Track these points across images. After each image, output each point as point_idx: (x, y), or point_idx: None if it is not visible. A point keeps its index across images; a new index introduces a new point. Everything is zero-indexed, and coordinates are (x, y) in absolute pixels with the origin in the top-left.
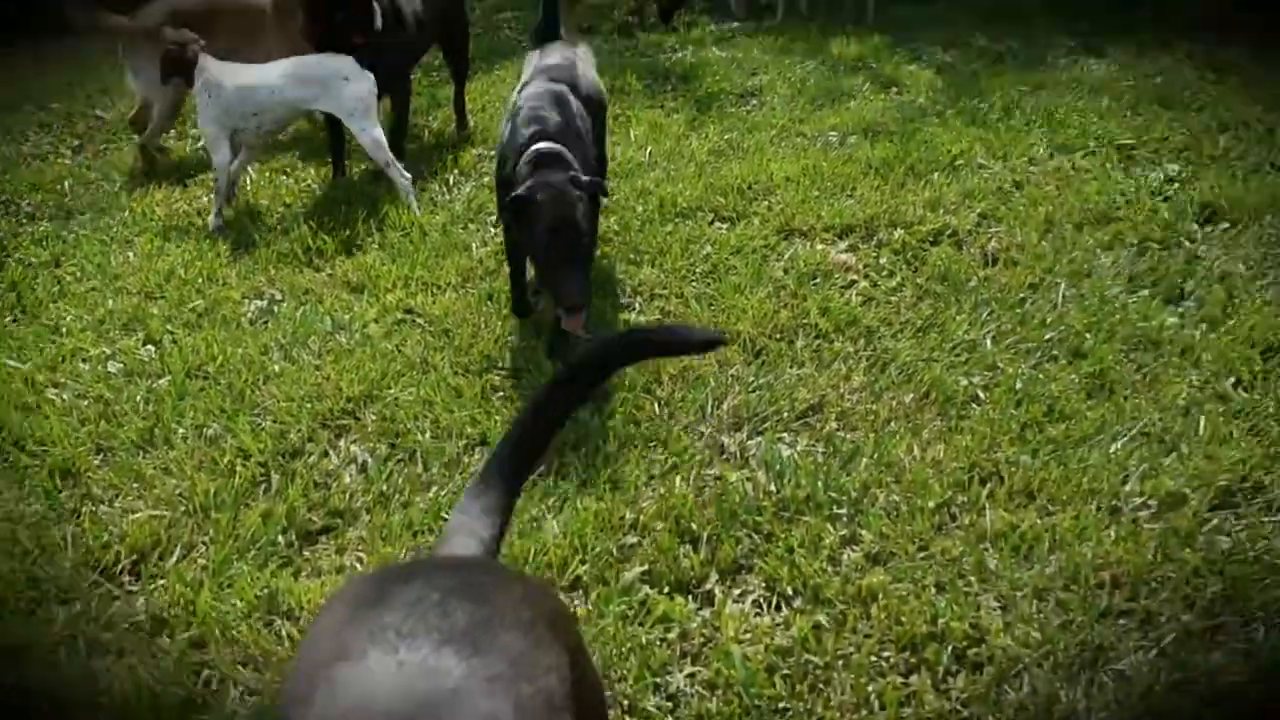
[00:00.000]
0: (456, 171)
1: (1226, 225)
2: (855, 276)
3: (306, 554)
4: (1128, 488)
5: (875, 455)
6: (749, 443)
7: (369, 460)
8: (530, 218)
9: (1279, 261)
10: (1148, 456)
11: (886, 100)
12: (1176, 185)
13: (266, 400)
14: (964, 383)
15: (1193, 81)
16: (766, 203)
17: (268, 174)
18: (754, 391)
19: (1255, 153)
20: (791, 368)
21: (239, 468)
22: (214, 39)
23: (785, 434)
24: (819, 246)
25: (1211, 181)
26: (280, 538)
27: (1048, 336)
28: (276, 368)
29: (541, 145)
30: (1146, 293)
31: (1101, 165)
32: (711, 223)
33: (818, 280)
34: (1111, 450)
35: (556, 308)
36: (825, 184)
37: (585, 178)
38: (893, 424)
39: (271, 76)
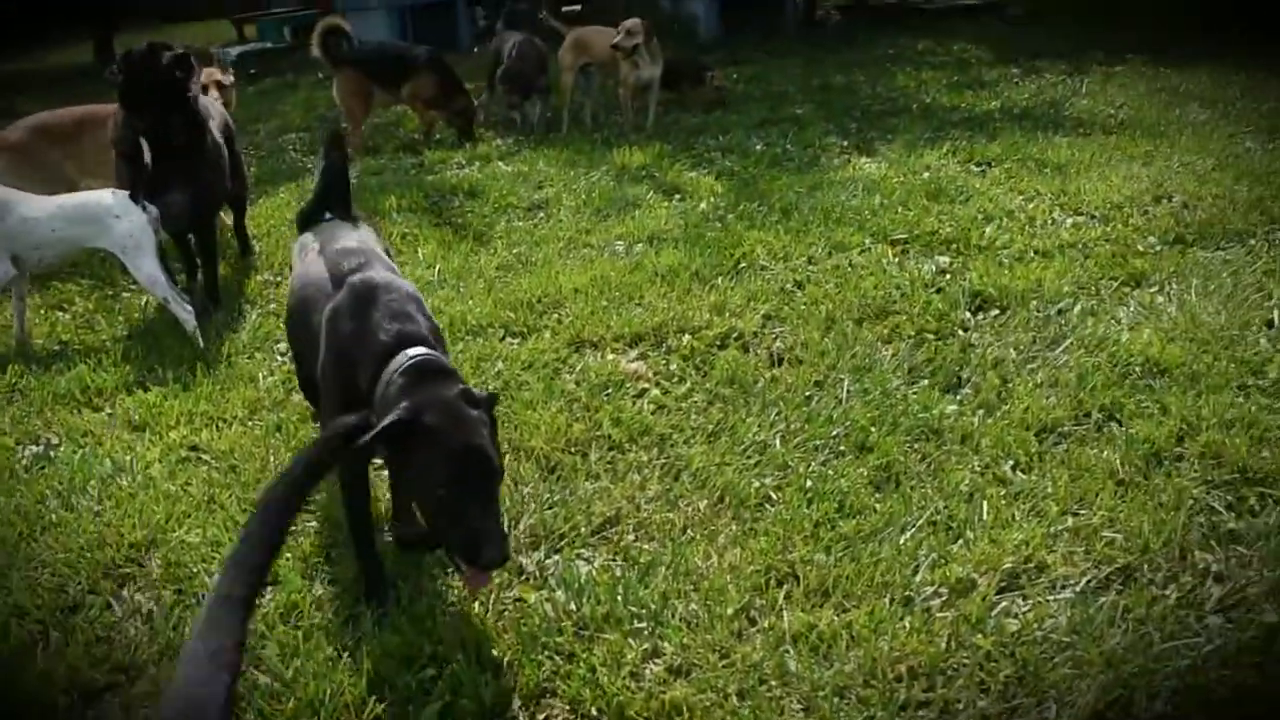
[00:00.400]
0: (242, 299)
1: (996, 312)
2: (646, 385)
3: (90, 714)
4: (918, 578)
5: (673, 565)
6: (547, 561)
7: (154, 609)
8: (423, 449)
9: (1046, 345)
10: (936, 545)
11: (670, 207)
12: (948, 276)
13: (44, 553)
14: (756, 484)
15: (959, 175)
16: (557, 315)
17: (43, 310)
18: (550, 509)
19: (1019, 240)
20: (587, 481)
21: (14, 628)
22: (80, 149)
23: (583, 550)
24: (610, 356)
25: (980, 270)
26: (60, 699)
27: (834, 433)
28: (54, 517)
29: (416, 352)
30: (926, 383)
31: (877, 260)
32: (502, 338)
33: (610, 391)
34: (901, 541)
35: (459, 563)
36: (614, 294)
37: (479, 391)
38: (689, 531)
39: (50, 212)
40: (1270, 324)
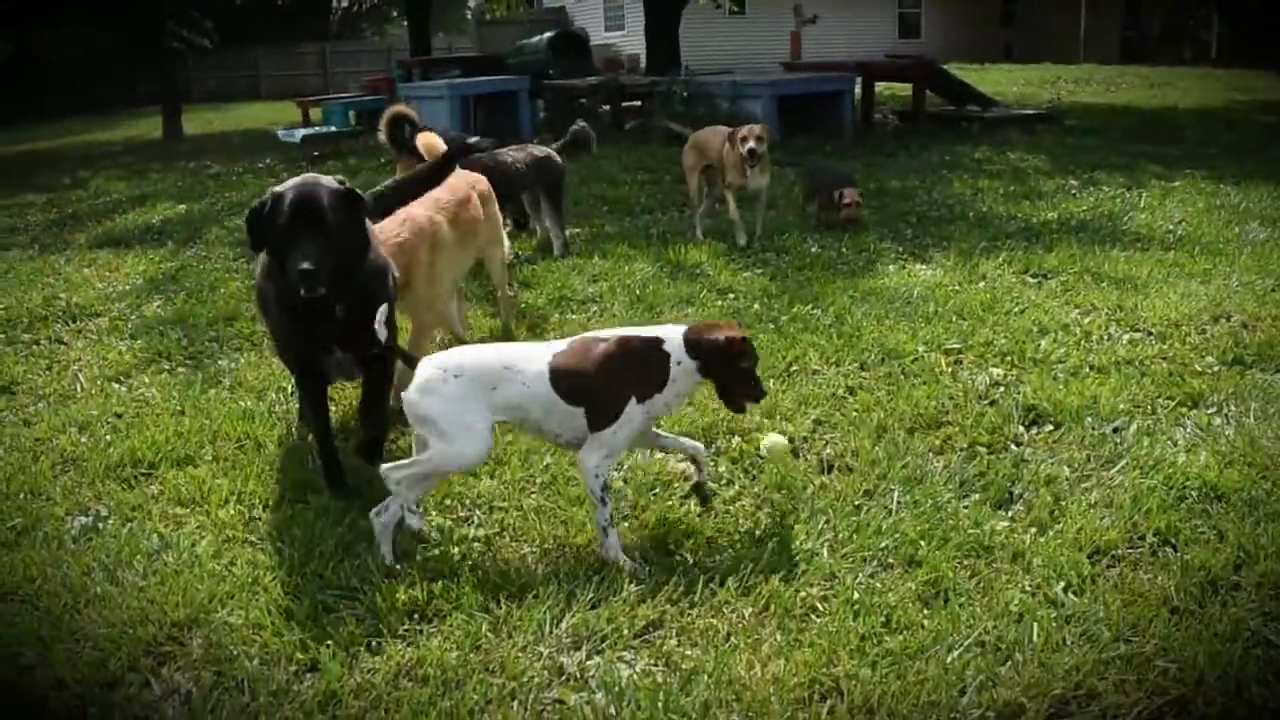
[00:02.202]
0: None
1: (1050, 427)
2: None
3: None
4: (965, 699)
5: (715, 673)
6: (588, 663)
7: (193, 690)
8: None
9: (1101, 463)
10: (984, 667)
11: (723, 306)
12: (1002, 389)
13: (87, 626)
14: (803, 594)
15: (1015, 286)
16: None
17: (99, 382)
18: (593, 608)
19: (1074, 355)
20: (632, 583)
21: (52, 701)
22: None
23: (625, 652)
24: (657, 455)
25: (1034, 384)
26: None
27: (883, 545)
28: (99, 590)
29: None
30: (977, 497)
31: (930, 369)
32: None
33: (657, 490)
34: (949, 660)
35: None
36: None
37: None
38: (733, 639)
39: None
40: None
